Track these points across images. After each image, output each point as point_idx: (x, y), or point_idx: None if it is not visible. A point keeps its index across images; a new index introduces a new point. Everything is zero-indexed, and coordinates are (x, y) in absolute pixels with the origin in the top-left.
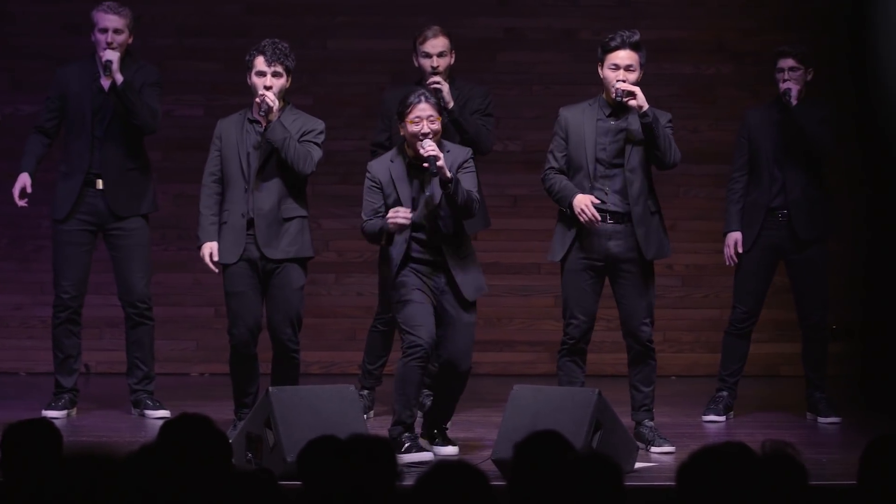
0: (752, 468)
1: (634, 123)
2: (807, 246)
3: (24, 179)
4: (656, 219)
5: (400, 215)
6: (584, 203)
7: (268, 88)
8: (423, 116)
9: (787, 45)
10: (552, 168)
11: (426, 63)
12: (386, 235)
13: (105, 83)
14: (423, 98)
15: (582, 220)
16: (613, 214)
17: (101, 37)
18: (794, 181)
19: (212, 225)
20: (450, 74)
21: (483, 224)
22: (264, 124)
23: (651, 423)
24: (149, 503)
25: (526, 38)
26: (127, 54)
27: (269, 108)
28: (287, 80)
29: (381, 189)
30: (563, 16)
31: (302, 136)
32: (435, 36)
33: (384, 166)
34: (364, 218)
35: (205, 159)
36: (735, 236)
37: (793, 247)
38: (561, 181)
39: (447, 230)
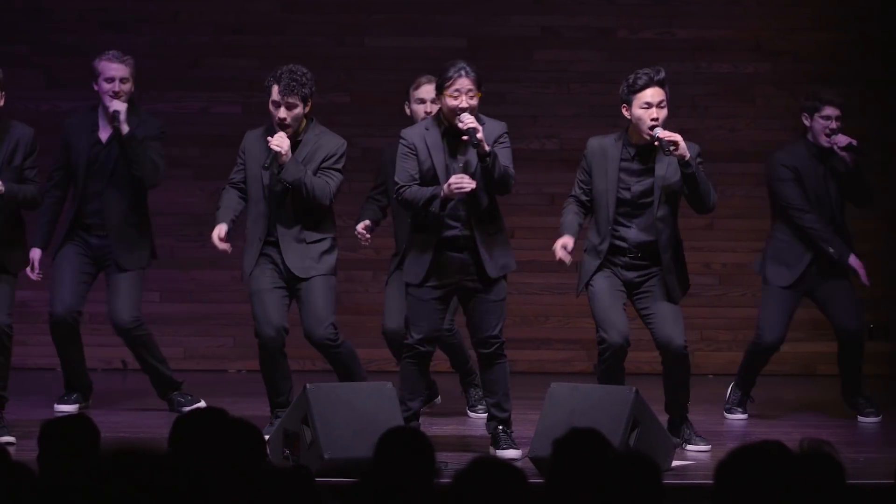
0: (791, 466)
1: (661, 169)
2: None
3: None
4: (681, 263)
5: (465, 181)
6: (558, 245)
7: (281, 121)
8: (462, 90)
9: (828, 91)
10: (573, 196)
11: (419, 109)
12: (441, 202)
13: (104, 135)
14: (464, 72)
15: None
16: (634, 254)
17: (107, 86)
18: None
19: (227, 210)
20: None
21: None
22: (274, 166)
23: (683, 424)
24: (184, 500)
25: (562, 36)
26: (130, 104)
27: (277, 154)
28: (305, 108)
29: (417, 155)
30: (599, 14)
31: (322, 161)
32: (430, 82)
33: (419, 134)
34: (399, 182)
35: None
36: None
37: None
38: (567, 215)
39: (480, 204)
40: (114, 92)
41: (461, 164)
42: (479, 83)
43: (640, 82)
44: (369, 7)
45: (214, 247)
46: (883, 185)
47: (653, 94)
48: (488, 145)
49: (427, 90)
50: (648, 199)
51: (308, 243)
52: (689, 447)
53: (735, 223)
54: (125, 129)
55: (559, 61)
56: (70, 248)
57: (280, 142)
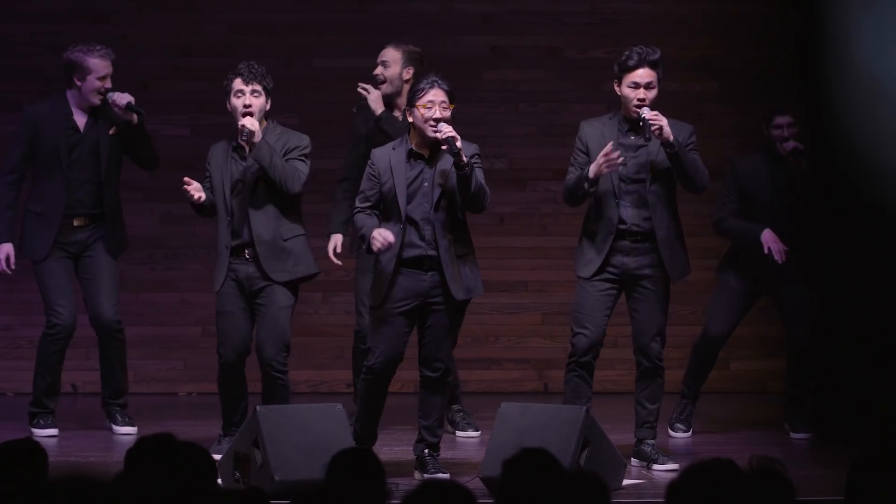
0: (740, 484)
1: (654, 144)
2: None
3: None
4: (680, 240)
5: (380, 241)
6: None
7: (247, 107)
8: (436, 101)
9: (779, 103)
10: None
11: (377, 71)
12: (367, 245)
13: (80, 122)
14: (436, 84)
15: (603, 166)
16: (633, 233)
17: (98, 84)
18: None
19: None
20: None
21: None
22: (248, 149)
23: (652, 442)
24: None
25: (511, 56)
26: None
27: (251, 133)
28: (266, 101)
29: (378, 177)
30: (548, 33)
31: (287, 153)
32: (393, 46)
33: (386, 153)
34: (357, 206)
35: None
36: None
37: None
38: (575, 172)
39: (450, 222)
40: (105, 89)
41: (427, 184)
42: (451, 96)
43: (631, 62)
44: (318, 29)
45: (164, 269)
46: None
47: (643, 74)
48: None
49: (381, 53)
50: (643, 175)
51: (284, 240)
52: (656, 467)
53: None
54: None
55: (508, 81)
56: (57, 252)
57: (252, 122)
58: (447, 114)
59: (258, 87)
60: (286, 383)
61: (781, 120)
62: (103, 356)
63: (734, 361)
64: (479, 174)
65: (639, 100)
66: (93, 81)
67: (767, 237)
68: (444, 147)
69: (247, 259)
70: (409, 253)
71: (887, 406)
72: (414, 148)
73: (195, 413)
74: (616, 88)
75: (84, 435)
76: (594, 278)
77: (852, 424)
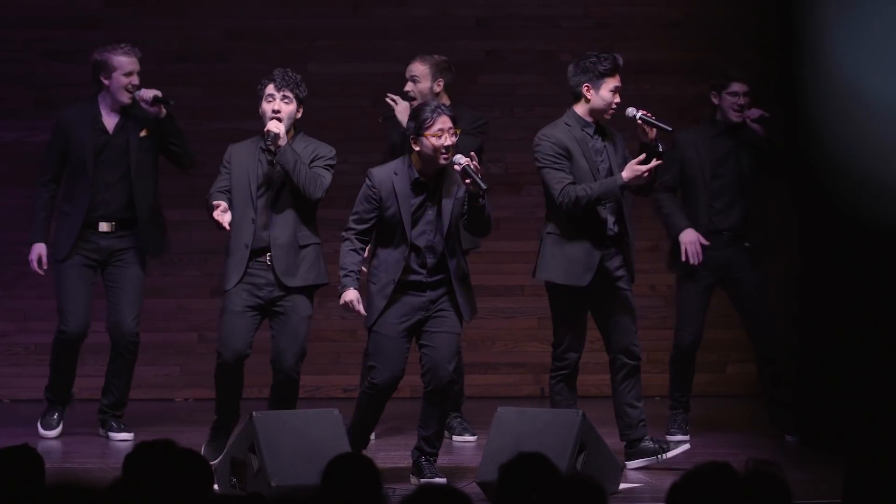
0: (737, 487)
1: (611, 143)
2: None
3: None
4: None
5: (353, 311)
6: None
7: (276, 112)
8: (445, 129)
9: (735, 69)
10: (571, 184)
11: (408, 87)
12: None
13: (110, 124)
14: (441, 110)
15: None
16: (609, 237)
17: (125, 80)
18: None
19: (219, 194)
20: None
21: (474, 243)
22: (272, 153)
23: (650, 437)
24: None
25: (506, 60)
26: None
27: (276, 136)
28: (297, 109)
29: (380, 201)
30: (542, 37)
31: (312, 161)
32: (420, 61)
33: (388, 177)
34: (351, 225)
35: (186, 185)
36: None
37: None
38: (589, 185)
39: (453, 251)
40: (132, 86)
41: (432, 212)
42: (455, 121)
43: (607, 66)
44: (313, 34)
45: (161, 275)
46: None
47: (618, 79)
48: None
49: (409, 69)
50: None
51: (301, 246)
52: (670, 453)
53: None
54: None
55: (503, 85)
56: (78, 258)
57: (277, 125)
58: (455, 139)
59: (289, 94)
60: (297, 390)
61: (738, 87)
62: (113, 366)
63: (730, 365)
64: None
65: (616, 104)
66: (119, 78)
67: (686, 238)
68: (467, 181)
69: (268, 265)
70: (410, 278)
71: (879, 409)
72: (419, 175)
73: (192, 419)
74: (585, 91)
75: (80, 441)
76: (583, 295)
77: (840, 429)
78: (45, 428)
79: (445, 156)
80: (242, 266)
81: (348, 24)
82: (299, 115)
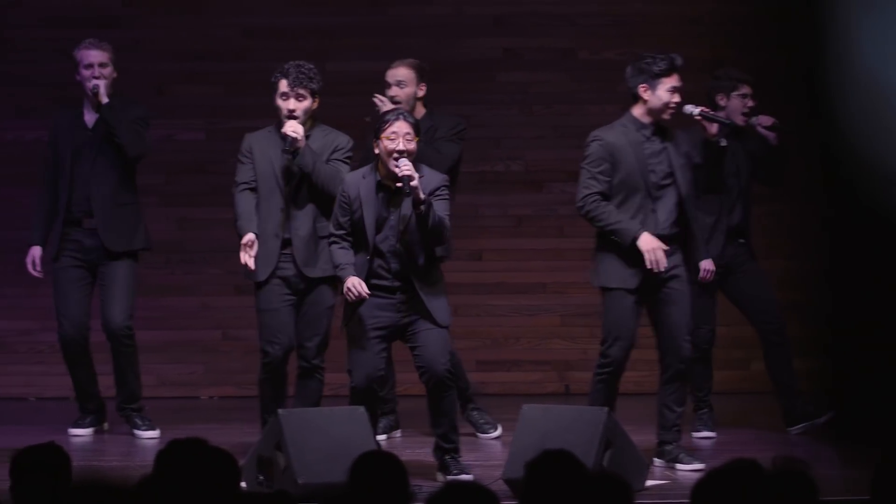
0: (764, 485)
1: (672, 147)
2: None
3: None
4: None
5: (355, 294)
6: (652, 247)
7: (291, 111)
8: (399, 133)
9: (737, 70)
10: (598, 193)
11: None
12: (340, 288)
13: (90, 120)
14: (401, 116)
15: (648, 261)
16: (663, 236)
17: (87, 73)
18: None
19: (249, 216)
20: (425, 105)
21: (445, 251)
22: (291, 155)
23: (676, 443)
24: None
25: (524, 57)
26: (113, 91)
27: (294, 140)
28: (313, 102)
29: (349, 203)
30: (560, 35)
31: (332, 153)
32: (403, 65)
33: (357, 182)
34: (332, 230)
35: (207, 183)
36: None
37: None
38: (620, 213)
39: (416, 257)
40: (94, 77)
41: (394, 219)
42: (417, 129)
43: (663, 66)
44: (331, 32)
45: (184, 273)
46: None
47: (676, 79)
48: (425, 194)
49: (392, 73)
50: (669, 181)
51: (320, 237)
52: (681, 466)
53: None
54: (105, 99)
55: (521, 83)
56: (65, 259)
57: (295, 128)
58: (411, 146)
59: (303, 91)
60: (322, 381)
61: (747, 90)
62: (115, 363)
63: (755, 362)
64: (440, 207)
65: (676, 103)
66: (81, 71)
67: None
68: (398, 185)
69: (291, 256)
70: (375, 282)
71: None
72: (381, 179)
73: (216, 417)
74: (642, 92)
75: (108, 439)
76: (626, 291)
77: (874, 423)
78: (75, 427)
79: (395, 162)
80: (273, 257)
81: (366, 21)
82: (315, 106)
